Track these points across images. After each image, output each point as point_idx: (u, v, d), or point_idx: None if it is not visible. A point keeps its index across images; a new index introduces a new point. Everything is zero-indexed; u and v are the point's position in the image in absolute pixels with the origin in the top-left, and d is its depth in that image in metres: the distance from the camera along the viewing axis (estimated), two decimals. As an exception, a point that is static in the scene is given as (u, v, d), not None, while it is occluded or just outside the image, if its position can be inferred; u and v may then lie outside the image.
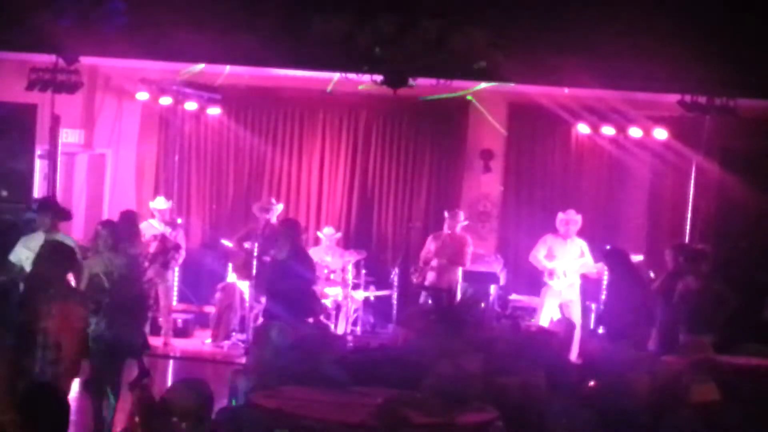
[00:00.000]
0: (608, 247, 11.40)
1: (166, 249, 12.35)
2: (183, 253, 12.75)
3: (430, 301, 11.97)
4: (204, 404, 5.61)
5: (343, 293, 12.78)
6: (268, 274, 10.70)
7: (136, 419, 5.71)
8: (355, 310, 13.13)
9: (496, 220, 14.21)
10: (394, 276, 13.11)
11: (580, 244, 12.39)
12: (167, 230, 12.52)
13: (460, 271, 12.81)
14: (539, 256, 12.33)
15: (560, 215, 12.48)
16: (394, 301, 13.11)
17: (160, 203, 12.78)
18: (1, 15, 11.14)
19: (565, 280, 12.17)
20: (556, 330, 10.43)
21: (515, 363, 7.40)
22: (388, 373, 7.34)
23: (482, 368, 7.16)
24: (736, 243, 11.80)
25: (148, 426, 5.63)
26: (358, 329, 13.11)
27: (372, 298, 13.33)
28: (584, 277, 12.47)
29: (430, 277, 12.81)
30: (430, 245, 12.94)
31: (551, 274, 12.25)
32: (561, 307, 12.20)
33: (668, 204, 13.72)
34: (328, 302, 12.80)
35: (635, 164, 13.65)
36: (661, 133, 13.10)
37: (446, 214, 13.01)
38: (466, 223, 13.04)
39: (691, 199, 13.10)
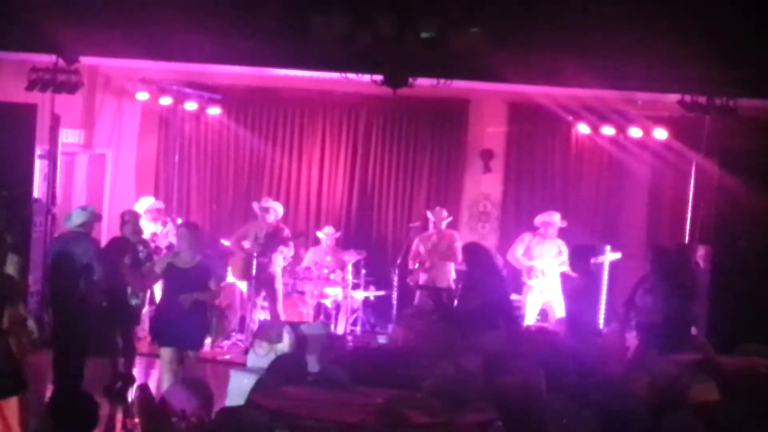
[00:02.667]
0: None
1: (158, 248, 12.39)
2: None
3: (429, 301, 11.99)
4: (204, 404, 5.62)
5: (342, 293, 12.78)
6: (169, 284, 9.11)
7: (136, 419, 5.71)
8: (355, 310, 13.12)
9: (496, 220, 14.22)
10: (394, 276, 13.11)
11: (558, 244, 12.51)
12: (159, 228, 12.54)
13: (452, 268, 12.82)
14: (517, 254, 12.49)
15: (541, 217, 12.60)
16: (394, 301, 13.10)
17: (145, 203, 12.78)
18: (1, 15, 11.13)
19: (544, 279, 12.30)
20: (557, 329, 10.46)
21: (515, 363, 7.42)
22: (388, 373, 7.35)
23: (482, 368, 7.17)
24: (736, 243, 11.78)
25: (148, 426, 5.63)
26: (358, 329, 13.11)
27: (372, 298, 13.32)
28: (564, 276, 12.53)
29: (423, 278, 12.84)
30: (419, 248, 12.94)
31: (529, 272, 12.38)
32: (545, 306, 12.36)
33: (668, 204, 13.73)
34: (327, 302, 12.80)
35: (635, 164, 13.65)
36: (661, 133, 13.10)
37: (429, 214, 13.04)
38: (450, 219, 13.05)
39: (690, 199, 13.09)
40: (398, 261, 13.11)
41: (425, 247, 12.88)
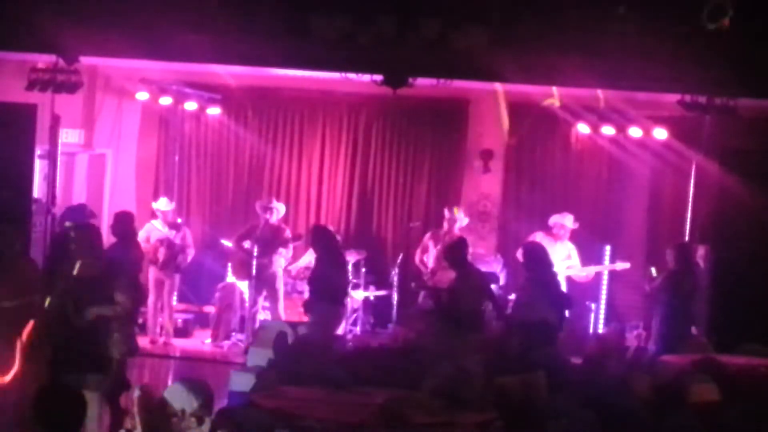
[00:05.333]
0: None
1: (174, 254, 12.39)
2: (191, 252, 12.75)
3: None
4: (204, 404, 5.61)
5: (342, 293, 12.76)
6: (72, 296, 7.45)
7: (136, 419, 5.71)
8: (355, 310, 13.11)
9: (496, 220, 14.20)
10: (394, 276, 13.10)
11: (569, 248, 12.48)
12: (171, 233, 12.51)
13: None
14: None
15: (555, 218, 12.54)
16: (394, 301, 13.09)
17: (163, 204, 12.76)
18: (1, 15, 11.14)
19: None
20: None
21: (516, 362, 7.42)
22: (388, 373, 7.35)
23: (483, 368, 7.18)
24: (736, 243, 11.79)
25: (148, 426, 5.63)
26: (358, 329, 13.10)
27: (372, 298, 13.31)
28: (569, 279, 12.53)
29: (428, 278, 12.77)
30: (429, 244, 12.85)
31: None
32: None
33: (668, 204, 13.71)
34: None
35: (635, 164, 13.64)
36: (661, 133, 13.09)
37: (447, 212, 12.96)
38: (467, 221, 12.98)
39: (690, 199, 13.09)
40: (398, 261, 13.11)
41: (436, 249, 12.74)
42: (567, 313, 10.09)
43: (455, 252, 10.37)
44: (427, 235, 13.01)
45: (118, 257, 9.82)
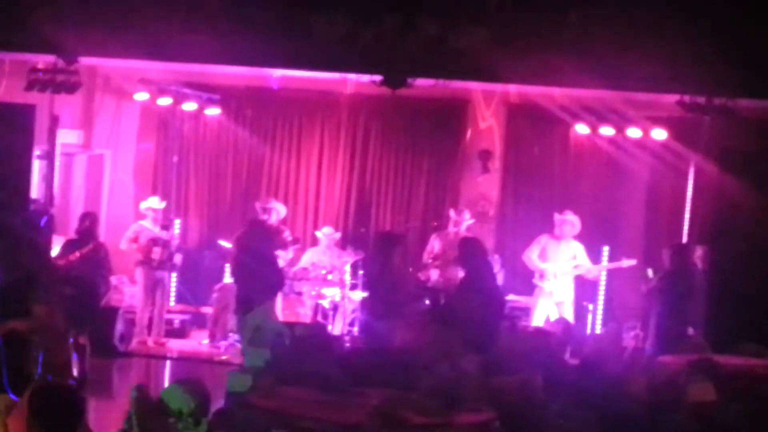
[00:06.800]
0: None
1: (171, 254, 12.36)
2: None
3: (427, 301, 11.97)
4: (201, 405, 5.61)
5: (340, 293, 12.75)
6: None
7: (133, 420, 5.71)
8: (353, 311, 13.09)
9: (494, 221, 14.19)
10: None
11: (576, 247, 12.43)
12: (163, 233, 12.46)
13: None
14: (532, 255, 12.38)
15: (556, 216, 12.52)
16: (393, 302, 13.05)
17: (155, 203, 12.69)
18: (1, 15, 11.14)
19: (556, 281, 12.22)
20: (554, 330, 10.46)
21: (514, 363, 7.42)
22: (385, 374, 7.34)
23: (480, 368, 7.18)
24: (735, 244, 11.79)
25: (145, 426, 5.63)
26: (356, 330, 13.08)
27: (370, 299, 13.29)
28: (578, 278, 12.50)
29: (434, 275, 12.76)
30: (434, 243, 12.87)
31: (542, 275, 12.30)
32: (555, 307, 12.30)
33: (666, 204, 13.72)
34: (325, 303, 12.78)
35: (634, 165, 13.63)
36: (660, 134, 13.08)
37: (452, 213, 12.99)
38: (472, 221, 13.00)
39: (689, 200, 13.10)
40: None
41: (440, 244, 12.73)
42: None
43: (384, 245, 10.40)
44: (433, 236, 12.99)
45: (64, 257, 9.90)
